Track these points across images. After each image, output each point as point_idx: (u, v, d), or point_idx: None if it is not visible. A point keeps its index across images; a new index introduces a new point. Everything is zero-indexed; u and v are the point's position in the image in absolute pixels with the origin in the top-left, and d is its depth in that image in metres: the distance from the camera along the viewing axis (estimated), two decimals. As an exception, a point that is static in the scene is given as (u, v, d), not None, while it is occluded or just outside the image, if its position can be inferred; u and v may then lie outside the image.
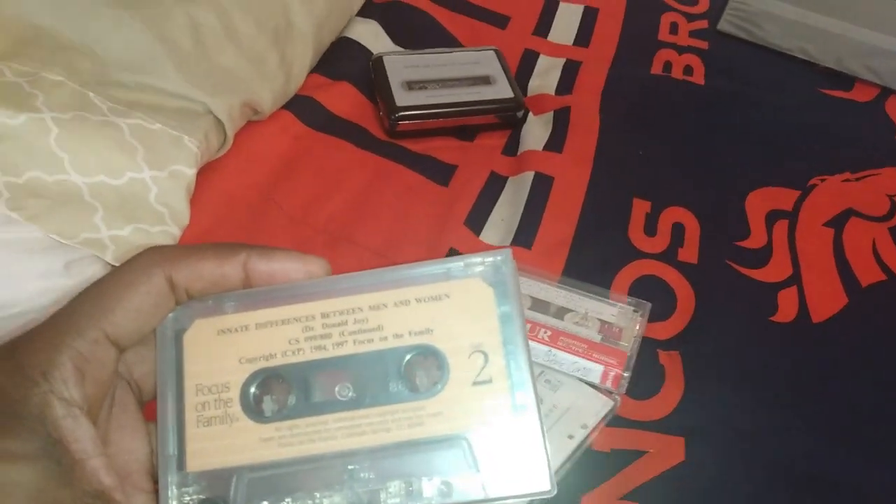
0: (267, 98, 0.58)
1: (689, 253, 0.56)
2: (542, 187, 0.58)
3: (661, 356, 0.49)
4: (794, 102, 0.72)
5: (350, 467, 0.23)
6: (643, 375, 0.47)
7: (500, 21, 0.76)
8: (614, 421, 0.45)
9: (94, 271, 0.47)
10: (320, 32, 0.64)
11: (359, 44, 0.68)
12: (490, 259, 0.25)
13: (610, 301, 0.50)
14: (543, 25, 0.76)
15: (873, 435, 0.46)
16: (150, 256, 0.24)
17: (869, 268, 0.57)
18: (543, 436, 0.23)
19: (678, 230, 0.57)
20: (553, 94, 0.68)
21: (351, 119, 0.62)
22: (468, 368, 0.23)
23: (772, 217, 0.60)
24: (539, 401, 0.24)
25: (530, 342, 0.39)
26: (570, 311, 0.49)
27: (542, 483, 0.23)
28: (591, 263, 0.54)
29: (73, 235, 0.46)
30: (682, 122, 0.67)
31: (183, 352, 0.24)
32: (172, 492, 0.23)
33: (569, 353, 0.46)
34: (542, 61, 0.72)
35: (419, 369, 0.24)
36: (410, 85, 0.63)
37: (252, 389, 0.23)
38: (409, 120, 0.61)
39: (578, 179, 0.60)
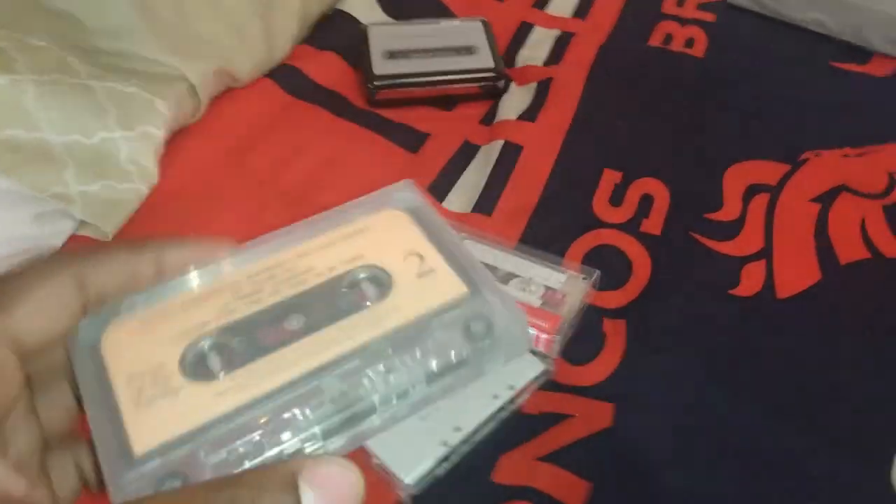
0: (245, 66, 0.60)
1: (653, 224, 0.54)
2: (509, 155, 0.58)
3: (605, 324, 0.48)
4: (801, 76, 0.69)
5: (317, 382, 0.21)
6: (584, 342, 0.47)
7: (502, -7, 0.75)
8: (549, 385, 0.45)
9: (63, 226, 0.51)
10: (307, 4, 0.66)
11: (351, 16, 0.69)
12: (398, 192, 0.27)
13: (559, 268, 0.50)
14: (544, -3, 0.76)
15: (814, 415, 0.44)
16: (59, 256, 0.24)
17: (853, 245, 0.54)
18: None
19: (646, 201, 0.56)
20: (541, 65, 0.68)
21: (334, 88, 0.64)
22: (408, 269, 0.24)
23: (751, 190, 0.58)
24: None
25: None
26: (516, 276, 0.49)
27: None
28: (550, 232, 0.54)
29: (44, 188, 0.50)
30: (670, 94, 0.65)
31: (102, 355, 0.22)
32: (122, 489, 0.20)
33: (503, 315, 0.46)
34: (536, 33, 0.72)
35: (363, 283, 0.24)
36: (392, 54, 0.64)
37: (191, 357, 0.22)
38: (386, 88, 0.62)
39: (549, 148, 0.59)
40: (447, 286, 0.24)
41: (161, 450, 0.20)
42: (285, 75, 0.63)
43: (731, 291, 0.51)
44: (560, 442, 0.42)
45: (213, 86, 0.58)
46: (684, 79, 0.67)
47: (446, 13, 0.72)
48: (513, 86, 0.65)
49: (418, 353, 0.22)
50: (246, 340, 0.23)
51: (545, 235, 0.53)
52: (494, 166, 0.57)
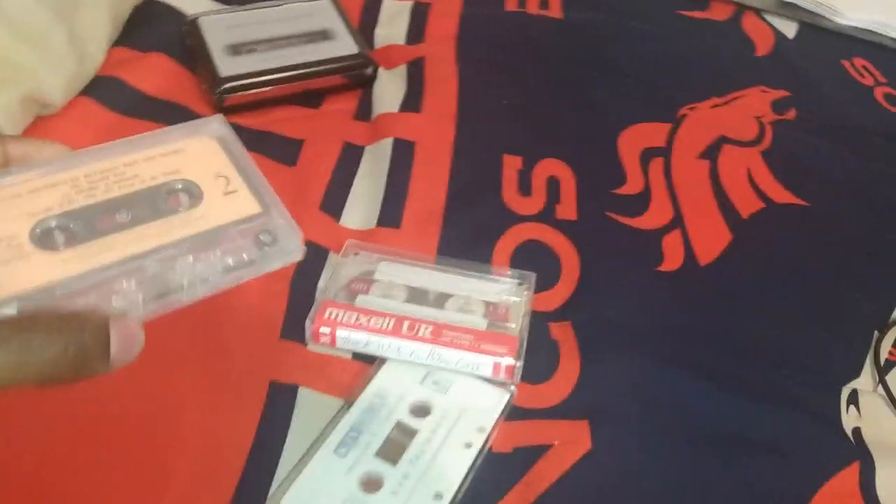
0: (56, 86, 0.47)
1: (568, 209, 0.52)
2: (403, 155, 0.52)
3: (552, 330, 0.45)
4: (655, 28, 0.69)
5: (141, 262, 0.27)
6: (537, 355, 0.43)
7: (334, -36, 0.67)
8: (512, 412, 0.41)
9: None
10: (115, -4, 0.53)
11: (168, 5, 0.58)
12: (211, 123, 0.33)
13: (492, 276, 0.45)
14: (383, -35, 0.68)
15: (771, 379, 0.45)
16: None
17: (747, 197, 0.55)
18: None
19: (553, 185, 0.53)
20: (403, 43, 0.61)
21: (169, 98, 0.53)
22: (216, 187, 0.30)
23: (646, 156, 0.57)
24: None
25: (411, 341, 0.41)
26: (450, 296, 0.44)
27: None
28: (467, 235, 0.49)
29: None
30: (544, 63, 0.62)
31: None
32: None
33: (454, 348, 0.41)
34: (387, 6, 0.65)
35: (180, 192, 0.30)
36: (235, 49, 0.54)
37: (39, 231, 0.27)
38: (237, 91, 0.52)
39: (442, 141, 0.54)
40: (246, 204, 0.30)
41: (19, 296, 0.25)
42: (107, 90, 0.51)
43: (658, 268, 0.49)
44: (548, 479, 0.39)
45: (21, 119, 0.45)
46: (549, 44, 0.65)
47: (281, -8, 0.63)
48: (381, 70, 0.58)
49: (219, 253, 0.29)
50: (84, 224, 0.28)
51: (464, 240, 0.48)
52: (390, 169, 0.51)
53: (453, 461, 0.38)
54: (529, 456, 0.39)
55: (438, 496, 0.36)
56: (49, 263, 0.26)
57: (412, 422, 0.39)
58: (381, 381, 0.40)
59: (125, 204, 0.29)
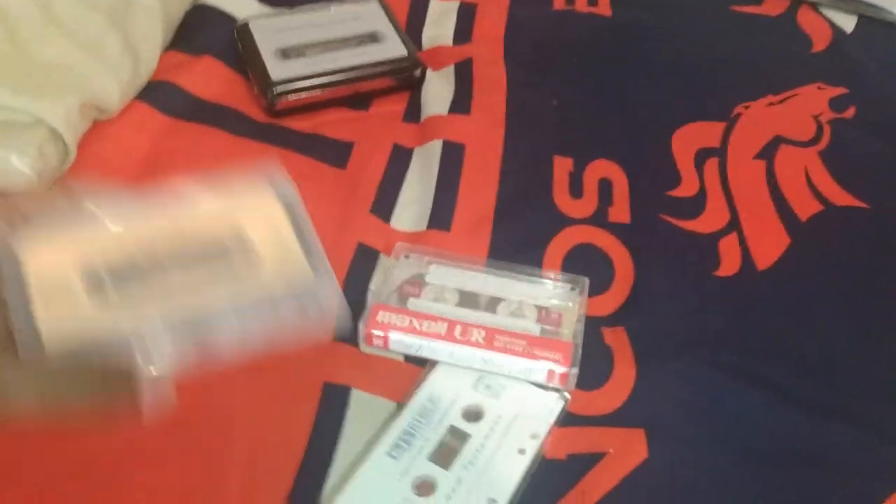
0: (113, 91, 0.48)
1: (621, 212, 0.51)
2: (453, 157, 0.52)
3: (605, 335, 0.44)
4: (707, 25, 0.67)
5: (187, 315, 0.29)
6: (590, 361, 0.42)
7: (381, -35, 0.67)
8: (566, 419, 0.40)
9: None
10: (167, 2, 0.54)
11: (217, 9, 0.58)
12: (279, 187, 0.35)
13: (544, 281, 0.45)
14: (431, -36, 0.68)
15: (832, 392, 0.43)
16: None
17: (805, 200, 0.53)
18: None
19: (605, 187, 0.52)
20: (451, 44, 0.61)
21: (222, 102, 0.53)
22: (273, 251, 0.33)
23: (701, 156, 0.55)
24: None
25: (464, 346, 0.41)
26: (502, 300, 0.44)
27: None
28: (517, 239, 0.48)
29: None
30: (593, 62, 0.61)
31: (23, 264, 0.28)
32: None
33: (507, 353, 0.40)
34: (434, 6, 0.64)
35: (237, 253, 0.32)
36: (286, 53, 0.54)
37: (92, 281, 0.29)
38: (289, 94, 0.53)
39: (492, 143, 0.53)
40: (297, 269, 0.32)
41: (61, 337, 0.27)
42: (161, 94, 0.52)
43: (715, 273, 0.48)
44: (602, 487, 0.38)
45: (80, 125, 0.46)
46: (598, 42, 0.63)
47: (328, -6, 0.63)
48: (429, 72, 0.57)
49: (266, 316, 0.30)
50: (135, 276, 0.29)
51: (514, 243, 0.48)
52: (439, 172, 0.50)
53: (507, 467, 0.37)
54: (584, 463, 0.39)
55: (492, 502, 0.36)
56: (95, 309, 0.28)
57: (465, 426, 0.39)
58: (434, 384, 0.40)
59: (177, 258, 0.30)
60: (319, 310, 0.31)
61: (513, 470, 0.37)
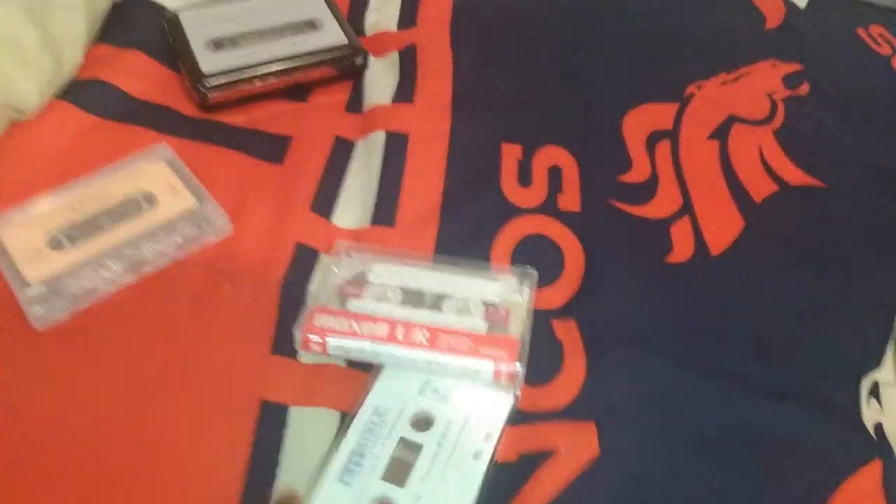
0: (29, 90, 0.45)
1: (571, 199, 0.49)
2: (396, 149, 0.50)
3: (556, 328, 0.43)
4: (659, 4, 0.65)
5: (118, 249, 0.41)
6: (540, 355, 0.41)
7: (321, -52, 0.64)
8: (516, 417, 0.39)
9: None
10: (91, -7, 0.51)
11: (147, 0, 0.55)
12: (159, 151, 0.46)
13: (491, 275, 0.43)
14: (372, -53, 0.65)
15: (787, 375, 0.42)
16: None
17: (760, 180, 0.52)
18: None
19: (555, 174, 0.50)
20: (395, 29, 0.59)
21: (152, 99, 0.51)
22: (166, 194, 0.44)
23: (652, 139, 0.54)
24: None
25: (406, 348, 0.39)
26: (448, 297, 0.42)
27: None
28: (465, 232, 0.47)
29: None
30: (542, 46, 0.59)
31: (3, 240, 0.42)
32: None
33: (452, 353, 0.39)
34: (377, -9, 0.62)
35: (142, 201, 0.44)
36: (218, 44, 0.52)
37: (50, 239, 0.42)
38: (221, 89, 0.50)
39: (437, 132, 0.51)
40: (187, 202, 0.44)
41: (43, 280, 0.40)
42: (87, 92, 0.49)
43: (667, 260, 0.47)
44: (555, 484, 0.37)
45: (-6, 127, 0.43)
46: (547, 25, 0.62)
47: (266, -20, 0.60)
48: (371, 60, 0.55)
49: (171, 235, 0.42)
50: (80, 231, 0.42)
51: (462, 237, 0.46)
52: (383, 164, 0.48)
53: (464, 475, 0.36)
54: (535, 462, 0.37)
55: None
56: (60, 258, 0.41)
57: (415, 436, 0.37)
58: (378, 394, 0.38)
59: (106, 214, 0.43)
60: (207, 223, 0.43)
61: (471, 477, 0.36)
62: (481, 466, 0.36)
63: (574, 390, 0.40)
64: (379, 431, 0.37)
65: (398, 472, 0.35)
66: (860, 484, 0.38)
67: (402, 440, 0.37)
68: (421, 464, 0.36)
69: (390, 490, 0.35)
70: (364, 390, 0.38)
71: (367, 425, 0.37)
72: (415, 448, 0.37)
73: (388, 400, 0.38)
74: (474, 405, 0.39)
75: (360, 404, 0.38)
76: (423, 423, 0.38)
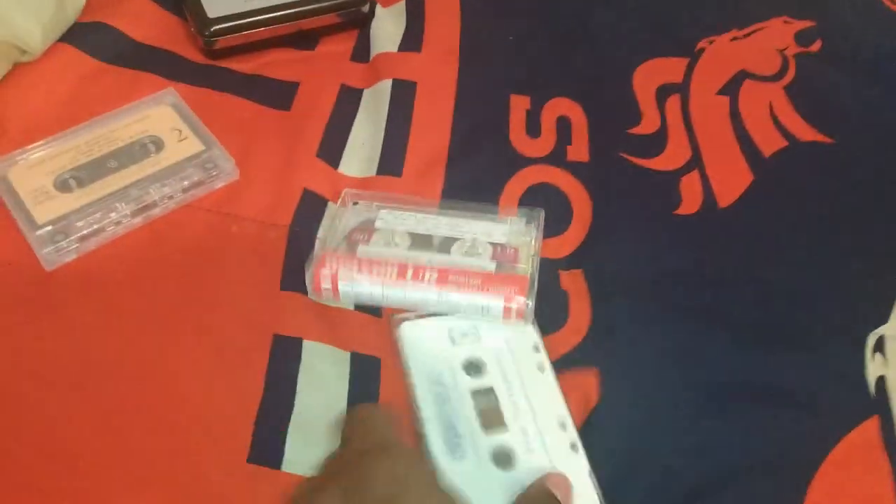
0: (34, 31, 0.45)
1: (579, 150, 0.49)
2: (403, 97, 0.49)
3: (562, 279, 0.43)
4: (670, -44, 0.64)
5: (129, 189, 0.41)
6: (547, 305, 0.41)
7: None
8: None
9: None
10: (94, -66, 0.50)
11: (152, -57, 0.54)
12: (166, 97, 0.47)
13: (498, 218, 0.43)
14: None
15: (793, 326, 0.42)
16: None
17: (769, 135, 0.52)
18: None
19: (564, 125, 0.50)
20: (402, -23, 0.58)
21: (156, 44, 0.50)
22: (173, 138, 0.45)
23: (662, 93, 0.53)
24: None
25: (417, 289, 0.39)
26: (455, 239, 0.42)
27: None
28: (472, 181, 0.46)
29: None
30: (549, -5, 0.58)
31: (11, 181, 0.42)
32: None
33: (462, 290, 0.39)
34: (385, -61, 0.61)
35: (149, 144, 0.44)
36: (225, -12, 0.51)
37: (58, 181, 0.42)
38: (227, 34, 0.49)
39: (445, 81, 0.51)
40: (193, 146, 0.44)
41: (52, 221, 0.40)
42: (90, 35, 0.49)
43: (675, 212, 0.47)
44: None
45: (1, 65, 0.43)
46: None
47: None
48: (378, 8, 0.54)
49: (178, 178, 0.43)
50: (88, 173, 0.42)
51: (468, 186, 0.46)
52: (389, 113, 0.48)
53: (542, 385, 0.37)
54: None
55: (562, 426, 0.36)
56: (68, 200, 0.41)
57: (480, 382, 0.37)
58: (417, 365, 0.38)
59: (113, 156, 0.43)
60: (214, 167, 0.43)
61: (548, 384, 0.37)
62: (550, 375, 0.38)
63: (577, 339, 0.41)
64: (448, 396, 0.37)
65: (493, 419, 0.36)
66: (860, 438, 0.39)
67: (474, 392, 0.37)
68: (504, 400, 0.36)
69: (498, 437, 0.35)
70: (404, 370, 0.38)
71: (434, 398, 0.37)
72: (488, 392, 0.37)
73: (429, 365, 0.38)
74: (506, 336, 0.39)
75: (412, 389, 0.37)
76: (475, 368, 0.38)
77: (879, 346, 0.43)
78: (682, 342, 0.41)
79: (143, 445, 0.34)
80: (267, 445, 0.35)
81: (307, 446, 0.35)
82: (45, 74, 0.46)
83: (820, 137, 0.53)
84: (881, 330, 0.43)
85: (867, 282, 0.45)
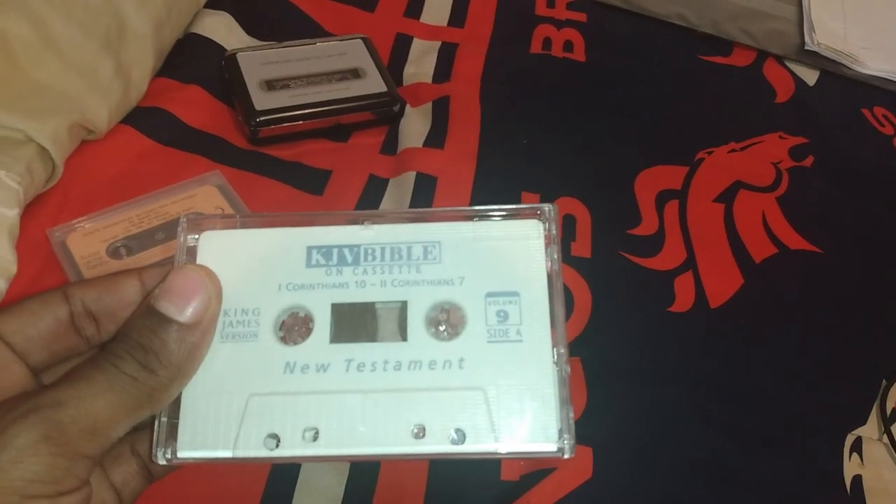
0: (102, 114, 0.50)
1: (582, 246, 0.53)
2: (425, 189, 0.54)
3: (562, 365, 0.46)
4: (676, 73, 0.70)
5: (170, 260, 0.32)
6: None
7: (368, 3, 0.70)
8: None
9: None
10: (161, 31, 0.57)
11: (209, 39, 0.61)
12: (212, 177, 0.52)
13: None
14: (415, 5, 0.71)
15: (776, 426, 0.45)
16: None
17: (761, 242, 0.56)
18: None
19: (569, 222, 0.54)
20: (430, 82, 0.64)
21: (206, 129, 0.56)
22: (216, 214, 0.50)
23: (662, 198, 0.58)
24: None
25: None
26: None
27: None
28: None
29: None
30: (565, 105, 0.64)
31: (69, 248, 0.47)
32: None
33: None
34: (417, 45, 0.67)
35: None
36: (270, 84, 0.57)
37: (111, 249, 0.48)
38: (271, 125, 0.55)
39: (463, 177, 0.56)
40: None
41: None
42: (148, 119, 0.54)
43: (669, 309, 0.51)
44: (548, 500, 0.40)
45: (68, 145, 0.48)
46: (571, 86, 0.66)
47: (316, 30, 0.66)
48: (408, 108, 0.60)
49: None
50: (137, 243, 0.47)
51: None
52: (412, 202, 0.53)
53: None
54: (533, 479, 0.41)
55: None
56: (118, 267, 0.44)
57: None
58: None
59: (161, 229, 0.48)
60: None
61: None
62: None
63: (575, 418, 0.44)
64: None
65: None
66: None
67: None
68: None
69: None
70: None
71: None
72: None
73: None
74: None
75: None
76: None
77: (857, 446, 0.46)
78: (670, 427, 0.44)
79: None
80: None
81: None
82: (107, 152, 0.51)
83: (809, 247, 0.57)
84: (858, 431, 0.46)
85: (847, 385, 0.49)
